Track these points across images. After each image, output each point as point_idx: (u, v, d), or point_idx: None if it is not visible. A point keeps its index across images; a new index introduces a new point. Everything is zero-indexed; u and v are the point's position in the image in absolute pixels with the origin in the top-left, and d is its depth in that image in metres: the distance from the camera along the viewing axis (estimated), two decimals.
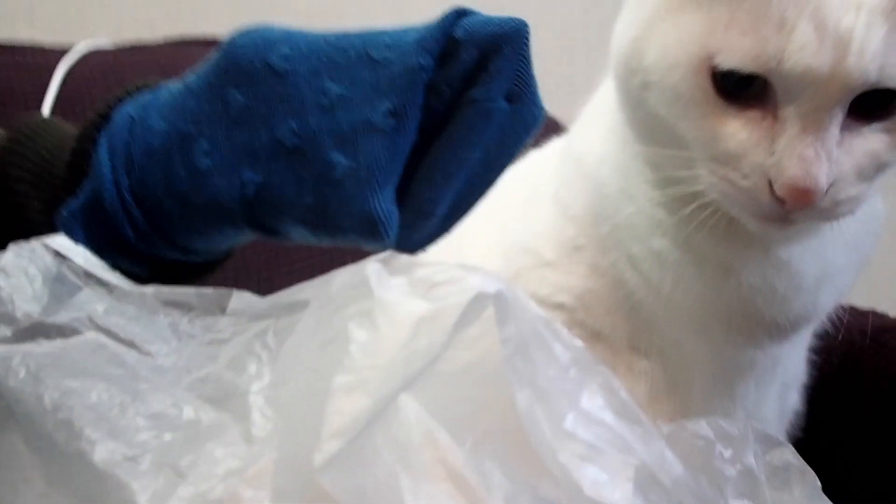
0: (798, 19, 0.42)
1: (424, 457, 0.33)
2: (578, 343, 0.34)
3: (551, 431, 0.32)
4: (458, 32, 0.41)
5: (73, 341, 0.40)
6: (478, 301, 0.30)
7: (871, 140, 0.45)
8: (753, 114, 0.45)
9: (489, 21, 0.41)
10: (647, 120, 0.50)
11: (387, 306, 0.30)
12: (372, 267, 0.31)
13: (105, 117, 0.45)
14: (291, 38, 0.43)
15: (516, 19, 0.42)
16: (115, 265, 0.45)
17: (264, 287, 0.45)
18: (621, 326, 0.59)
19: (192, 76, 0.45)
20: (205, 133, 0.42)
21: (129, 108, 0.45)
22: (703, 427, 0.49)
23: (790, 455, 0.51)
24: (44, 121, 0.49)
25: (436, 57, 0.41)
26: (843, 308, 0.81)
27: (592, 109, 0.63)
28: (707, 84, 0.45)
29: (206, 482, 0.32)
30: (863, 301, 0.83)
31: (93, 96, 0.86)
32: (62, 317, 0.40)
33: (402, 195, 0.42)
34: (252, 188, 0.42)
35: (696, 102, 0.46)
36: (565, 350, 0.33)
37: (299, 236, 0.44)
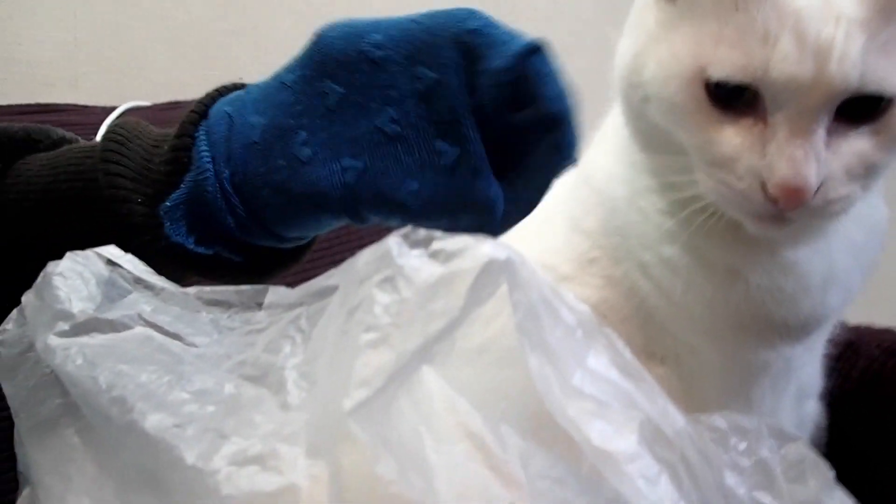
0: (781, 32, 0.45)
1: (445, 420, 0.36)
2: (583, 307, 0.37)
3: (561, 389, 0.35)
4: (536, 63, 0.46)
5: (124, 334, 0.43)
6: (489, 266, 0.34)
7: (858, 142, 0.48)
8: (745, 120, 0.48)
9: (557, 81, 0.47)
10: (648, 130, 0.54)
11: (407, 272, 0.34)
12: (393, 240, 0.35)
13: (201, 114, 0.48)
14: (380, 26, 0.45)
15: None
16: (213, 254, 0.48)
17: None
18: (636, 334, 0.62)
19: (282, 71, 0.48)
20: (304, 124, 0.45)
21: (224, 105, 0.48)
22: (716, 420, 0.51)
23: (804, 448, 0.53)
24: (137, 122, 0.52)
25: (516, 65, 0.44)
26: (860, 326, 0.84)
27: (601, 134, 0.67)
28: (701, 94, 0.49)
29: (246, 441, 0.35)
30: (880, 319, 0.85)
31: None
32: (114, 314, 0.44)
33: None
34: (353, 175, 0.44)
35: (691, 111, 0.50)
36: (571, 313, 0.36)
37: (393, 220, 0.46)
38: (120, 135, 0.50)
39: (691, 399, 0.63)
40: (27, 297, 0.46)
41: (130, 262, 0.47)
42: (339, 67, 0.45)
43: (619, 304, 0.62)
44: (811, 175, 0.46)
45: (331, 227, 0.49)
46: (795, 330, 0.58)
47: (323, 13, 1.26)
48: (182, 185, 0.47)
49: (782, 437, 0.52)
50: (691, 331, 0.60)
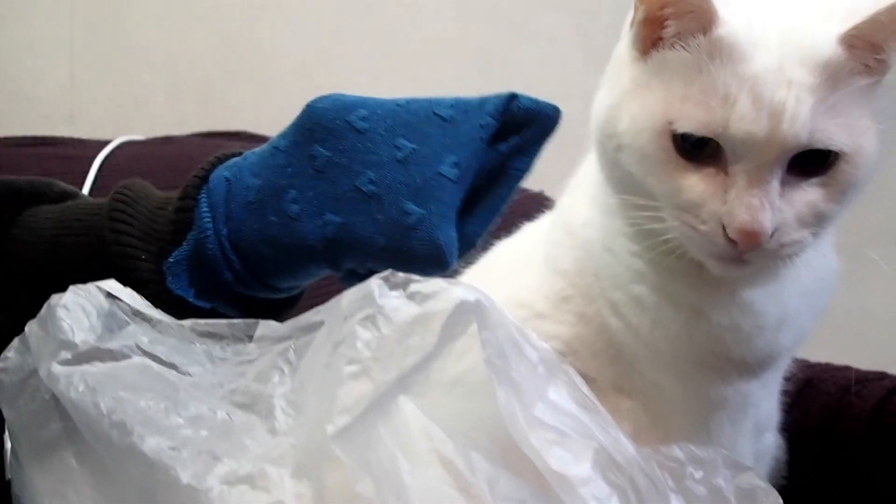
0: (739, 94, 0.50)
1: (420, 446, 0.40)
2: (545, 345, 0.41)
3: (524, 419, 0.39)
4: (515, 108, 0.53)
5: (123, 363, 0.47)
6: (461, 307, 0.37)
7: (809, 192, 0.52)
8: (708, 170, 0.53)
9: (533, 102, 0.54)
10: (622, 177, 0.59)
11: (387, 312, 0.37)
12: (375, 282, 0.38)
13: (203, 179, 0.53)
14: (366, 103, 0.52)
15: (553, 106, 0.55)
16: (211, 308, 0.52)
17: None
18: (606, 369, 0.65)
19: (277, 138, 0.53)
20: (294, 184, 0.51)
21: (223, 171, 0.54)
22: (675, 451, 0.55)
23: (756, 479, 0.56)
24: (142, 184, 0.57)
25: (498, 119, 0.52)
26: (819, 364, 0.88)
27: (577, 181, 0.71)
28: (669, 145, 0.54)
29: (237, 463, 0.39)
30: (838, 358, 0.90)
31: None
32: (114, 344, 0.48)
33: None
34: (333, 228, 0.50)
35: (661, 160, 0.54)
36: (534, 351, 0.40)
37: (363, 267, 0.52)
38: (126, 195, 0.55)
39: (656, 431, 0.66)
40: (31, 328, 0.49)
41: (130, 296, 0.51)
42: (327, 134, 0.51)
43: (591, 341, 0.65)
44: (766, 221, 0.51)
45: (318, 276, 0.54)
46: (752, 366, 0.62)
47: (319, 57, 1.31)
48: (184, 244, 0.52)
49: (736, 468, 0.56)
50: (656, 366, 0.64)
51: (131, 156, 1.06)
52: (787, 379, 0.71)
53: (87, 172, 1.02)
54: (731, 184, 0.52)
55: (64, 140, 1.09)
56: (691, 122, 0.52)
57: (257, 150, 0.54)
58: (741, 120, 0.50)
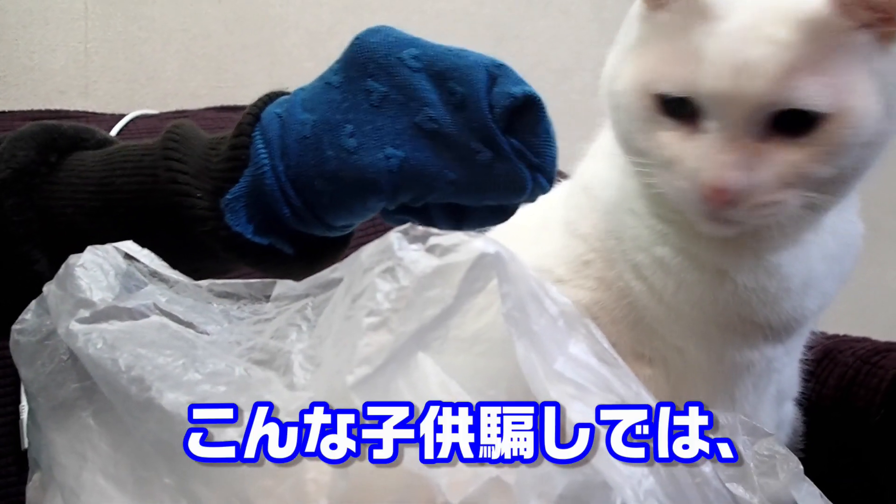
0: (709, 52, 0.51)
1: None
2: (565, 299, 0.41)
3: (544, 373, 0.38)
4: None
5: (141, 322, 0.47)
6: (481, 259, 0.37)
7: (793, 153, 0.51)
8: (687, 128, 0.54)
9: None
10: (621, 135, 0.60)
11: (406, 264, 0.37)
12: (394, 235, 0.38)
13: (256, 116, 0.53)
14: (417, 42, 0.52)
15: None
16: (268, 245, 0.52)
17: None
18: (627, 335, 0.65)
19: (327, 73, 0.53)
20: (350, 119, 0.51)
21: (274, 108, 0.53)
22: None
23: (776, 444, 0.56)
24: (191, 126, 0.57)
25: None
26: (837, 335, 0.87)
27: (596, 146, 0.71)
28: (652, 104, 0.55)
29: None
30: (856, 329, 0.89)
31: None
32: (131, 303, 0.48)
33: None
34: (396, 161, 0.49)
35: (645, 119, 0.55)
36: (554, 305, 0.40)
37: (427, 201, 0.52)
38: (178, 135, 0.55)
39: (678, 399, 0.65)
40: (49, 287, 0.49)
41: (147, 257, 0.51)
42: (379, 69, 0.51)
43: (611, 306, 0.65)
44: (733, 178, 0.51)
45: (373, 211, 0.54)
46: (777, 330, 0.62)
47: (332, 29, 1.31)
48: (241, 180, 0.52)
49: (755, 433, 0.55)
50: (680, 330, 0.63)
51: (145, 129, 1.06)
52: (809, 347, 0.71)
53: None
54: (704, 141, 0.52)
55: (78, 113, 1.09)
56: (668, 81, 0.53)
57: (307, 85, 0.54)
58: (709, 77, 0.51)
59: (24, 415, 0.79)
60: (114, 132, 1.03)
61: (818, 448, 0.76)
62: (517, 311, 0.38)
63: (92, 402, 0.48)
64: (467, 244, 0.37)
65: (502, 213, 0.55)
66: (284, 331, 0.44)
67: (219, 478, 0.39)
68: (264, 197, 0.51)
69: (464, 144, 0.49)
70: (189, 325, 0.47)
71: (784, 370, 0.69)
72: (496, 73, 0.51)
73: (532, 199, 0.53)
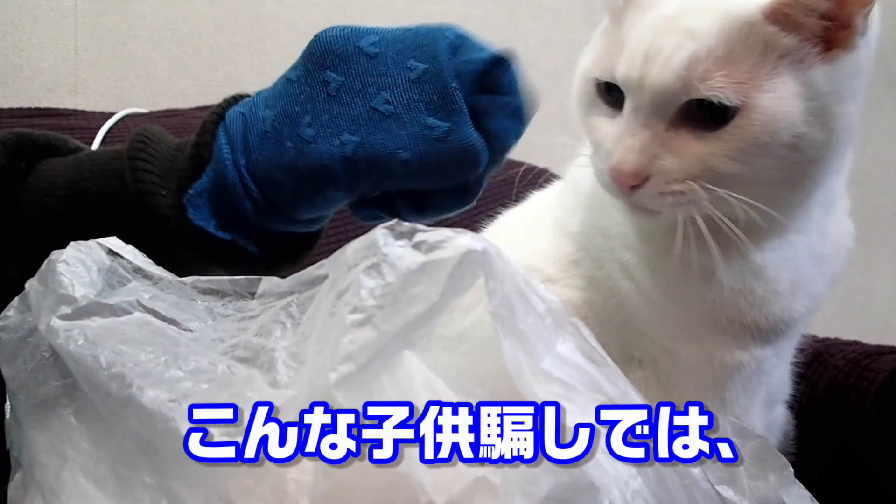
0: (630, 39, 0.53)
1: (423, 399, 0.39)
2: (553, 297, 0.40)
3: (531, 372, 0.38)
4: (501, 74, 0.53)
5: (123, 319, 0.46)
6: (467, 256, 0.37)
7: (701, 145, 0.51)
8: (614, 112, 0.55)
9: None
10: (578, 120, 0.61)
11: (392, 260, 0.37)
12: (380, 231, 0.38)
13: (220, 116, 0.54)
14: (375, 30, 0.53)
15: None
16: (231, 241, 0.53)
17: None
18: (616, 336, 0.64)
19: (288, 71, 0.54)
20: (308, 109, 0.51)
21: (238, 108, 0.55)
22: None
23: (766, 446, 0.55)
24: (159, 129, 0.58)
25: (487, 65, 0.52)
26: (828, 339, 0.87)
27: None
28: (592, 90, 0.57)
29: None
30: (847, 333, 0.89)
31: None
32: (114, 300, 0.47)
33: None
34: (351, 147, 0.50)
35: (586, 103, 0.58)
36: (542, 302, 0.39)
37: (382, 187, 0.52)
38: (145, 137, 0.56)
39: (668, 400, 0.66)
40: (31, 283, 0.48)
41: (130, 253, 0.50)
42: (337, 60, 0.52)
43: (600, 306, 0.65)
44: (631, 162, 0.52)
45: (334, 204, 0.54)
46: (766, 332, 0.61)
47: (320, 29, 1.30)
48: (204, 175, 0.53)
49: (745, 435, 0.55)
50: (668, 330, 0.63)
51: (133, 127, 1.05)
52: (800, 350, 0.71)
53: (90, 145, 1.01)
54: (618, 125, 0.54)
55: (67, 112, 1.08)
56: (599, 67, 0.56)
57: (270, 85, 0.55)
58: (624, 64, 0.53)
59: (9, 409, 0.78)
60: (103, 130, 1.02)
61: (809, 451, 0.76)
62: (504, 309, 0.37)
63: (73, 400, 0.47)
64: (454, 240, 0.37)
65: (463, 195, 0.55)
66: (269, 328, 0.43)
67: (199, 477, 0.38)
68: (226, 192, 0.52)
69: (419, 121, 0.50)
70: (172, 321, 0.46)
71: (774, 372, 0.68)
72: (458, 42, 0.52)
73: (487, 171, 0.54)
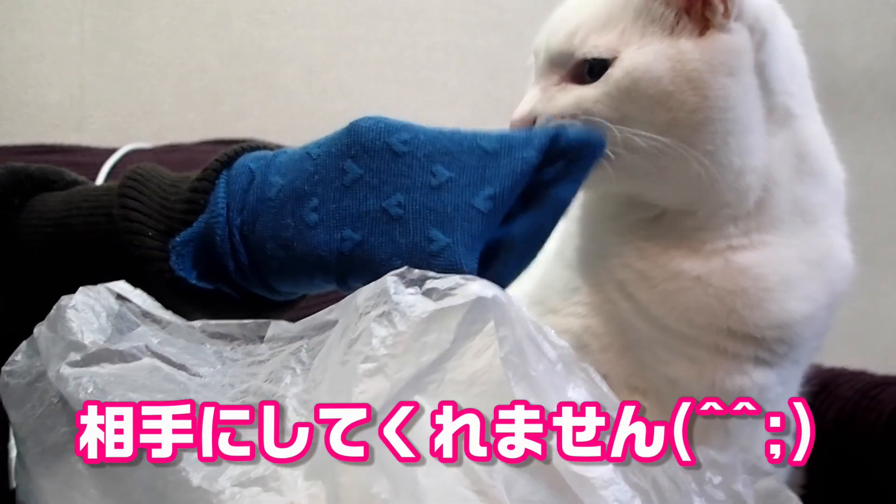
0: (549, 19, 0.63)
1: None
2: (563, 343, 0.40)
3: None
4: (562, 141, 0.50)
5: (132, 365, 0.46)
6: (478, 303, 0.37)
7: (582, 93, 0.59)
8: None
9: (582, 133, 0.52)
10: None
11: (403, 308, 0.37)
12: (391, 279, 0.38)
13: (225, 163, 0.52)
14: (410, 128, 0.50)
15: (598, 134, 0.54)
16: (214, 289, 0.51)
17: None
18: (617, 364, 0.65)
19: (311, 145, 0.52)
20: (317, 193, 0.49)
21: (249, 161, 0.52)
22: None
23: (777, 483, 0.55)
24: (154, 166, 0.56)
25: (542, 153, 0.50)
26: (835, 368, 0.87)
27: None
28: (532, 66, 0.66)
29: (249, 464, 0.38)
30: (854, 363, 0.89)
31: None
32: (123, 345, 0.47)
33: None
34: (350, 245, 0.48)
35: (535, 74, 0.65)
36: (553, 349, 0.39)
37: None
38: (138, 175, 0.54)
39: None
40: (39, 329, 0.48)
41: (139, 297, 0.50)
42: (363, 152, 0.49)
43: (601, 331, 0.66)
44: (520, 111, 0.61)
45: (321, 289, 0.52)
46: (767, 342, 0.62)
47: (327, 63, 1.31)
48: (194, 225, 0.51)
49: (756, 472, 0.54)
50: (668, 354, 0.63)
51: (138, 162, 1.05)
52: (806, 380, 0.71)
53: (94, 181, 1.01)
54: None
55: (72, 148, 1.09)
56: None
57: (290, 150, 0.53)
58: (537, 36, 0.64)
59: (13, 453, 0.77)
60: (107, 166, 1.03)
61: (818, 483, 0.76)
62: (515, 356, 0.38)
63: None
64: (464, 287, 0.37)
65: None
66: (279, 374, 0.43)
67: None
68: (213, 246, 0.51)
69: (422, 232, 0.47)
70: (181, 367, 0.46)
71: (779, 402, 0.68)
72: (498, 150, 0.49)
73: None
